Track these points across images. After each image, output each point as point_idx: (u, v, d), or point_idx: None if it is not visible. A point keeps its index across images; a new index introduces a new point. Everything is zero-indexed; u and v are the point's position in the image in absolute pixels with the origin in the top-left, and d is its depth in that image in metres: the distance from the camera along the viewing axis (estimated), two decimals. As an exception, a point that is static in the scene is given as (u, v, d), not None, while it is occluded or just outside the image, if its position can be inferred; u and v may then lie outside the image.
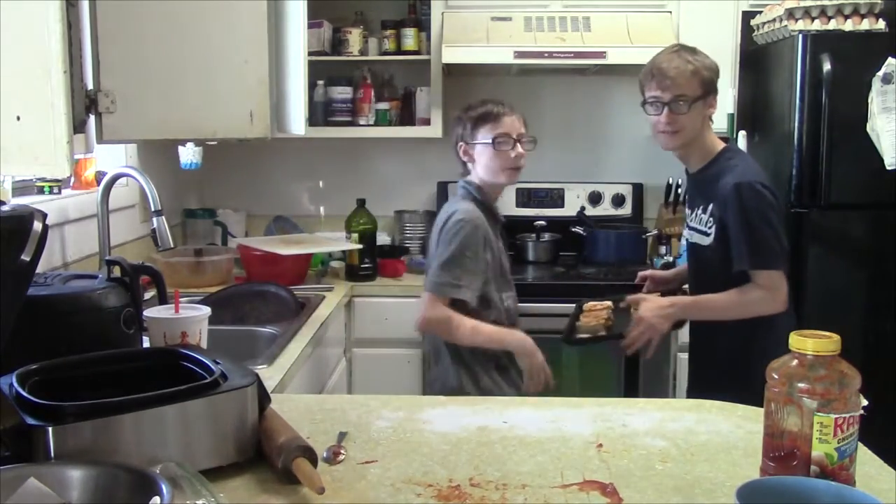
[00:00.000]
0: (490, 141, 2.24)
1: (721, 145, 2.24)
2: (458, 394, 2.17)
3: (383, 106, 3.54)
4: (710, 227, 2.19)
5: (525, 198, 3.66)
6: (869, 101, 2.79)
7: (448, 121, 3.49)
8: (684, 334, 3.08)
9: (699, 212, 2.24)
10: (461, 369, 2.27)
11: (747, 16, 3.27)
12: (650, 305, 2.23)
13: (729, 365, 2.21)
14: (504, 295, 2.33)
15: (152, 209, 2.40)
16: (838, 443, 1.14)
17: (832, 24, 2.89)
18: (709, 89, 2.16)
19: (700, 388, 2.31)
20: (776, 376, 1.19)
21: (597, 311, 2.40)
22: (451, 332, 2.20)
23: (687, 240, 2.37)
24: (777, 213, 2.12)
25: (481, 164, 2.28)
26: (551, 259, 3.53)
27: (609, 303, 2.44)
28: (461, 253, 2.17)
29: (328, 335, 2.69)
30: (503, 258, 2.35)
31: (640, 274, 2.62)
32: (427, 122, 3.49)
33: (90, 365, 1.39)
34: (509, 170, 2.26)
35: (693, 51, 2.20)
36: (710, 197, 2.18)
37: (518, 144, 2.26)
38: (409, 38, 3.46)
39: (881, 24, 2.89)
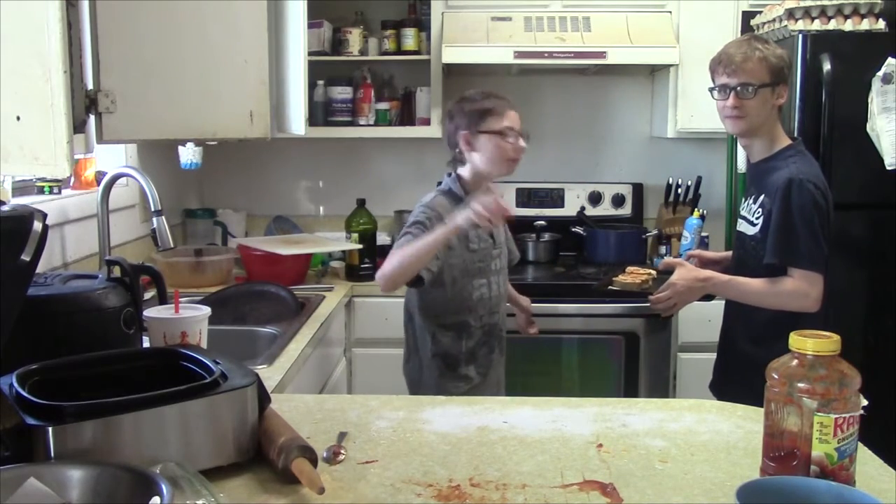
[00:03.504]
0: (497, 131, 2.28)
1: (787, 142, 2.25)
2: (431, 390, 2.31)
3: (383, 106, 3.54)
4: (757, 218, 2.21)
5: (525, 198, 3.66)
6: (869, 101, 2.79)
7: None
8: (687, 334, 3.12)
9: (750, 202, 2.28)
10: (436, 362, 2.35)
11: (747, 16, 3.27)
12: (685, 273, 2.27)
13: (752, 365, 2.21)
14: (475, 282, 2.33)
15: (152, 209, 2.40)
16: (838, 443, 1.14)
17: (832, 24, 2.89)
18: (777, 78, 2.18)
19: (722, 384, 2.36)
20: (776, 376, 1.19)
21: (637, 273, 2.49)
22: (387, 273, 2.18)
23: (736, 228, 2.39)
24: (823, 216, 2.12)
25: (483, 154, 2.30)
26: (551, 259, 3.53)
27: (653, 271, 2.50)
28: (413, 223, 2.24)
29: (328, 335, 2.69)
30: (472, 247, 2.33)
31: (689, 252, 2.65)
32: (427, 122, 3.49)
33: (90, 365, 1.39)
34: (509, 161, 2.30)
35: (764, 41, 2.23)
36: (763, 188, 2.21)
37: (521, 138, 2.31)
38: (409, 38, 3.46)
39: (881, 24, 2.89)
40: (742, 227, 2.31)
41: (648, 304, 2.34)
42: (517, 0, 3.37)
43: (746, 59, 2.16)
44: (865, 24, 2.88)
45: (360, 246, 3.18)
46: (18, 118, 1.38)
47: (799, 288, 2.12)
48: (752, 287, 2.19)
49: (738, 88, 2.17)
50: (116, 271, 1.70)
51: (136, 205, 3.05)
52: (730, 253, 2.53)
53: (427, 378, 2.37)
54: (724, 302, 2.37)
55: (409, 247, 2.16)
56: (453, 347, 2.34)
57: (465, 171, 2.36)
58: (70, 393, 1.26)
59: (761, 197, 2.21)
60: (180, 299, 1.69)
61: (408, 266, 2.16)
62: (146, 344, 1.68)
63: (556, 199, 3.66)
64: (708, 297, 2.39)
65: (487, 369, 2.41)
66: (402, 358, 2.51)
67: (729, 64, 2.18)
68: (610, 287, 2.45)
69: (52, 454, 1.13)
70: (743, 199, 2.37)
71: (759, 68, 2.16)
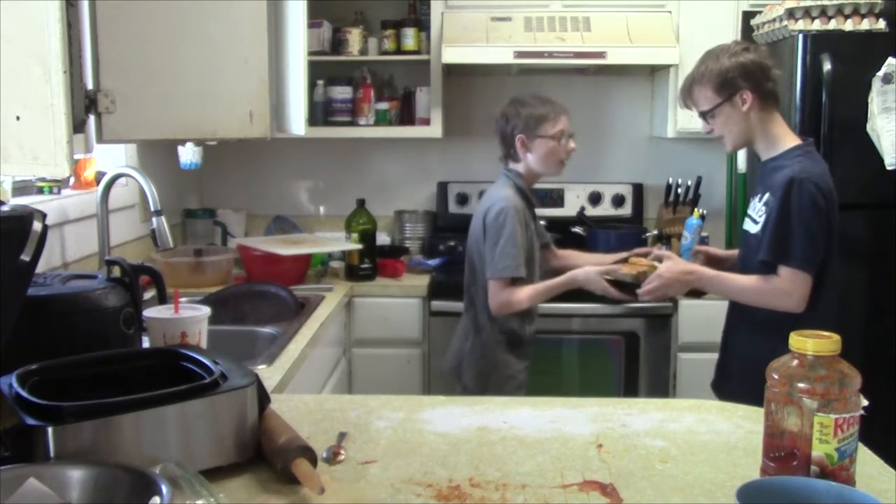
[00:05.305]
0: (552, 136, 2.50)
1: (794, 141, 2.24)
2: (496, 364, 2.53)
3: (383, 106, 3.54)
4: (760, 216, 2.22)
5: (525, 198, 3.66)
6: (869, 101, 2.79)
7: (449, 120, 3.51)
8: (687, 334, 3.12)
9: (756, 200, 2.29)
10: (503, 339, 2.53)
11: (747, 16, 3.27)
12: (672, 266, 2.32)
13: (752, 365, 2.21)
14: (537, 273, 2.58)
15: (152, 209, 2.40)
16: (838, 443, 1.14)
17: (832, 24, 2.89)
18: (729, 90, 2.19)
19: (723, 384, 2.37)
20: (776, 376, 1.19)
21: (638, 265, 2.54)
22: (515, 306, 2.48)
23: (743, 227, 2.41)
24: (820, 217, 2.11)
25: (538, 155, 2.53)
26: (551, 259, 3.53)
27: (655, 263, 2.50)
28: (511, 235, 2.43)
29: (328, 335, 2.69)
30: (534, 240, 2.57)
31: (696, 248, 2.67)
32: (427, 122, 3.49)
33: (90, 365, 1.39)
34: (560, 162, 2.56)
35: (715, 55, 2.23)
36: (768, 186, 2.21)
37: (571, 139, 2.55)
38: (409, 37, 3.46)
39: (881, 24, 2.89)
40: (747, 225, 2.32)
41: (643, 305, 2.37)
42: (517, 0, 3.37)
43: (689, 91, 2.26)
44: (865, 24, 2.88)
45: (360, 246, 3.18)
46: (18, 118, 1.38)
47: (784, 287, 2.12)
48: (737, 283, 2.22)
49: (702, 117, 2.26)
50: (116, 271, 1.70)
51: (135, 205, 3.05)
52: (736, 252, 2.54)
53: (492, 353, 2.53)
54: (726, 301, 2.36)
55: (542, 290, 2.50)
56: (520, 329, 2.55)
57: (519, 168, 2.57)
58: (70, 393, 1.26)
59: (766, 195, 2.21)
60: (180, 299, 1.69)
61: (536, 302, 2.53)
62: (146, 344, 1.68)
63: (556, 199, 3.66)
64: (698, 294, 2.42)
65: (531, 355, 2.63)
66: (402, 358, 2.54)
67: (684, 99, 2.29)
68: (607, 277, 2.47)
69: (52, 454, 1.13)
70: (751, 198, 2.37)
71: (703, 93, 2.23)
